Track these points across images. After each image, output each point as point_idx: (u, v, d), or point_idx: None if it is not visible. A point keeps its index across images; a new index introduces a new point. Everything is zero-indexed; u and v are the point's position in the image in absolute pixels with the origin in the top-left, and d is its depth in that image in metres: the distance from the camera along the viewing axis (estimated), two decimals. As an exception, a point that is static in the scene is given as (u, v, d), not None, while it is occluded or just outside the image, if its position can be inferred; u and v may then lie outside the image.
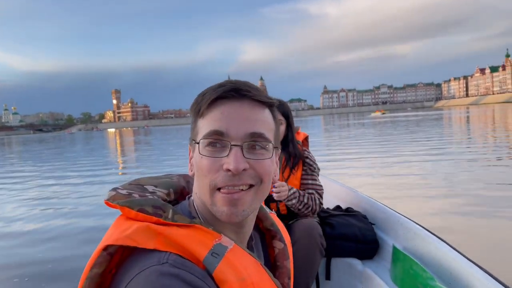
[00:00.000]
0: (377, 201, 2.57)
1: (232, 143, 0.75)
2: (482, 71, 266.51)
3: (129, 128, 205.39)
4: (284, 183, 2.27)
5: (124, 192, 0.81)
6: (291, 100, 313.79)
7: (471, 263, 1.57)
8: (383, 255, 2.25)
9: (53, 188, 10.47)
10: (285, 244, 0.94)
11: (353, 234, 2.31)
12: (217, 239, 0.74)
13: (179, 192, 0.90)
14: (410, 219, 2.17)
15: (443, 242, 1.82)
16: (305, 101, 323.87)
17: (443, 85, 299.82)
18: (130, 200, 0.78)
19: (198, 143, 0.78)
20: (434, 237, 1.89)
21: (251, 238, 0.88)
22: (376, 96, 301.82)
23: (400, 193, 6.97)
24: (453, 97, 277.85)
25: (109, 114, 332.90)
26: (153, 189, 0.85)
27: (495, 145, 14.19)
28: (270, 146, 0.79)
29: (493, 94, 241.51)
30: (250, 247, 0.87)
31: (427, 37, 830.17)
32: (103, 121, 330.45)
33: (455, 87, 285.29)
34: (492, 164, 9.79)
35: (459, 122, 33.45)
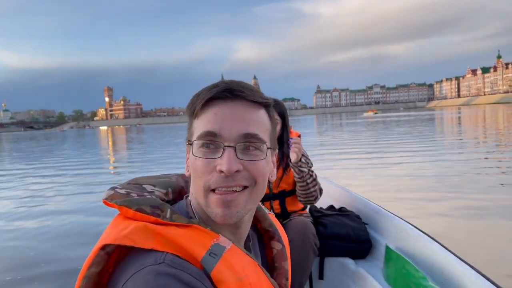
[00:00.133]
0: (370, 201, 2.58)
1: (226, 144, 0.75)
2: (474, 72, 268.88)
3: (121, 126, 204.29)
4: (298, 139, 2.30)
5: (122, 191, 0.81)
6: (285, 99, 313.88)
7: (462, 262, 1.59)
8: (376, 255, 2.26)
9: (42, 186, 10.37)
10: (283, 245, 0.94)
11: (347, 234, 2.32)
12: (215, 239, 0.75)
13: (178, 192, 0.90)
14: (402, 219, 2.18)
15: (435, 242, 1.84)
16: (298, 100, 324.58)
17: (435, 85, 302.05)
18: (128, 199, 0.78)
19: (192, 144, 0.78)
20: (426, 236, 1.91)
21: (248, 238, 0.88)
22: (369, 96, 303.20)
23: (391, 192, 7.01)
24: (445, 98, 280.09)
25: (101, 112, 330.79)
26: (151, 189, 0.85)
27: (485, 145, 14.34)
28: (265, 147, 0.78)
29: (484, 95, 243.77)
30: (247, 247, 0.87)
31: (420, 37, 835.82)
32: (95, 118, 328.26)
33: (447, 87, 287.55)
34: (482, 164, 9.87)
35: (450, 123, 33.71)
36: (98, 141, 40.37)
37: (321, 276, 2.34)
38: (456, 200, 6.26)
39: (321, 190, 2.40)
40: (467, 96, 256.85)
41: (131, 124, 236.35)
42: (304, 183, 2.31)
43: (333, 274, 2.32)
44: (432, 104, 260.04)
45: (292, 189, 2.43)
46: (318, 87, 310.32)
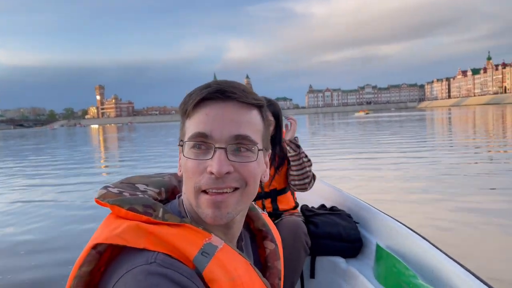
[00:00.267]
0: (361, 200, 2.59)
1: (216, 145, 0.75)
2: (464, 73, 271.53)
3: (112, 124, 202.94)
4: (295, 119, 2.37)
5: (115, 190, 0.81)
6: (277, 99, 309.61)
7: (452, 260, 1.61)
8: (367, 254, 2.27)
9: (30, 184, 10.27)
10: (276, 245, 0.94)
11: (338, 233, 2.33)
12: (207, 239, 0.75)
13: (171, 191, 0.90)
14: (393, 218, 2.20)
15: (424, 240, 1.85)
16: (291, 100, 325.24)
17: (426, 86, 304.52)
18: (121, 198, 0.78)
19: (182, 145, 0.79)
20: (416, 235, 1.92)
21: (240, 238, 0.88)
22: (361, 96, 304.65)
23: (381, 191, 7.04)
24: (436, 98, 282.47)
25: (93, 110, 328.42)
26: (144, 188, 0.85)
27: (474, 145, 14.48)
28: (256, 148, 0.78)
29: (474, 96, 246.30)
30: (239, 247, 0.87)
31: (411, 38, 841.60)
32: (86, 117, 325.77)
33: (438, 88, 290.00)
34: (471, 164, 9.96)
35: (441, 123, 34.00)
36: (90, 140, 40.04)
37: (312, 275, 2.35)
38: (443, 198, 6.31)
39: (314, 176, 2.42)
40: (458, 97, 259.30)
41: (122, 122, 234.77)
42: (300, 161, 2.33)
43: (324, 273, 2.33)
44: (423, 104, 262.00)
45: (283, 188, 2.43)
46: (310, 87, 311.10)
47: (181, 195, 0.84)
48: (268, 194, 2.41)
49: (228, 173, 0.74)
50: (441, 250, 1.72)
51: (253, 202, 0.95)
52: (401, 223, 2.11)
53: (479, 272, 1.47)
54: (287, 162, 2.42)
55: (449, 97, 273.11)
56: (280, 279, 0.92)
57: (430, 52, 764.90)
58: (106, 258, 0.74)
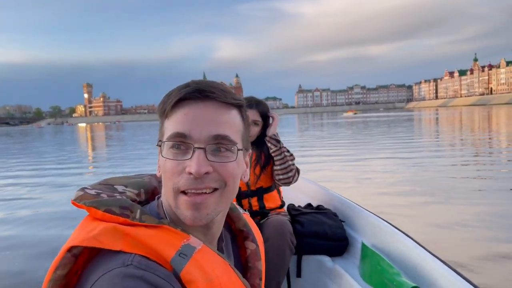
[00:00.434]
0: (347, 199, 2.61)
1: (195, 145, 0.74)
2: (451, 74, 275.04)
3: (100, 123, 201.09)
4: (277, 115, 2.39)
5: (92, 192, 0.80)
6: (267, 99, 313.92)
7: (435, 258, 1.63)
8: (352, 252, 2.28)
9: (17, 187, 10.12)
10: (257, 245, 0.94)
11: (323, 232, 2.33)
12: (185, 240, 0.74)
13: (150, 192, 0.89)
14: (378, 216, 2.22)
15: (409, 238, 1.87)
16: (280, 99, 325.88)
17: (414, 87, 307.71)
18: (97, 200, 0.76)
19: (161, 145, 0.78)
20: (401, 233, 1.94)
21: (221, 239, 0.88)
22: (350, 96, 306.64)
23: (369, 191, 7.10)
24: (424, 99, 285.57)
25: (80, 109, 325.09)
26: (123, 189, 0.84)
27: (461, 144, 14.66)
28: (235, 148, 0.78)
29: (461, 96, 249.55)
30: (220, 248, 0.87)
31: (400, 39, 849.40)
32: (73, 115, 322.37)
33: (426, 89, 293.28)
34: (459, 163, 10.09)
35: (428, 124, 34.37)
36: (78, 138, 39.60)
37: (298, 274, 2.35)
38: (430, 197, 6.38)
39: (298, 170, 2.42)
40: (445, 98, 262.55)
41: (110, 121, 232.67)
42: (282, 155, 2.35)
43: (310, 272, 2.33)
44: (411, 105, 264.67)
45: (269, 186, 2.44)
46: (300, 86, 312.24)
47: (160, 196, 0.83)
48: (255, 193, 2.41)
49: (207, 173, 0.74)
50: (424, 248, 1.74)
51: (234, 203, 0.95)
52: (386, 221, 2.12)
53: (462, 269, 1.53)
54: (273, 160, 2.43)
55: (437, 97, 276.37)
56: (261, 279, 0.92)
57: (418, 53, 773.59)
58: (83, 261, 0.73)
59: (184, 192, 0.74)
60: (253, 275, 0.91)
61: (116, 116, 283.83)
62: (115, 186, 0.84)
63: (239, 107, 0.81)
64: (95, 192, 0.80)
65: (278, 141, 2.36)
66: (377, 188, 7.41)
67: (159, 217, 0.79)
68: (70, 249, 0.72)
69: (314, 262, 2.32)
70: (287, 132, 29.79)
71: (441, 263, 1.57)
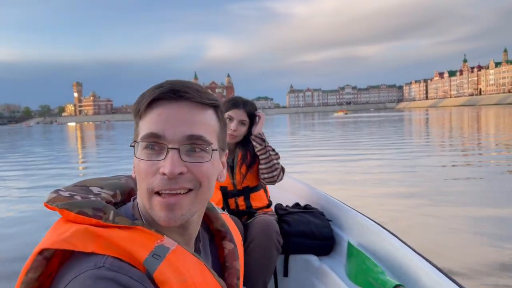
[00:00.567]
0: (334, 198, 2.62)
1: (169, 146, 0.74)
2: (441, 75, 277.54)
3: (90, 122, 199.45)
4: (263, 114, 2.40)
5: (66, 194, 0.78)
6: (258, 98, 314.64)
7: (420, 257, 1.64)
8: (339, 251, 2.29)
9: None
10: (235, 245, 0.94)
11: (310, 231, 2.33)
12: (159, 241, 0.74)
13: (127, 193, 0.88)
14: (364, 215, 2.23)
15: (394, 237, 1.88)
16: (272, 99, 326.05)
17: (404, 87, 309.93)
18: (70, 202, 0.75)
19: (133, 146, 0.78)
20: (387, 232, 1.95)
21: (198, 239, 0.88)
22: (341, 97, 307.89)
23: (358, 192, 7.12)
24: (414, 99, 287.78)
25: (70, 108, 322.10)
26: (98, 191, 0.83)
27: (450, 143, 14.79)
28: (210, 148, 0.77)
29: (451, 97, 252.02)
30: (197, 248, 0.87)
31: (391, 40, 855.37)
32: (63, 114, 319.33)
33: (416, 89, 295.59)
34: (447, 167, 10.16)
35: (418, 124, 34.63)
36: (66, 137, 39.21)
37: (285, 274, 2.35)
38: (418, 197, 6.41)
39: (283, 169, 2.43)
40: (435, 98, 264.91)
41: (100, 120, 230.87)
42: (267, 154, 2.35)
43: (297, 271, 2.34)
44: (402, 105, 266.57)
45: (256, 185, 2.44)
46: (291, 86, 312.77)
47: (136, 198, 0.83)
48: (241, 192, 2.40)
49: (181, 173, 0.73)
50: (409, 247, 1.75)
51: (212, 203, 0.95)
52: (372, 220, 2.13)
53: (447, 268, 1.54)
54: (258, 159, 2.42)
55: (427, 98, 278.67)
56: (238, 278, 0.92)
57: (408, 53, 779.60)
58: (57, 264, 0.72)
59: (158, 193, 0.74)
60: (231, 274, 0.91)
61: (107, 115, 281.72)
62: (90, 188, 0.83)
63: (215, 107, 0.81)
64: (68, 194, 0.79)
65: (263, 140, 2.36)
66: (367, 189, 7.44)
67: (134, 218, 0.78)
68: (41, 252, 0.71)
69: (301, 262, 2.33)
70: (278, 131, 29.79)
71: (426, 262, 1.59)
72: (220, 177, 0.84)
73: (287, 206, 2.68)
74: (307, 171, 9.61)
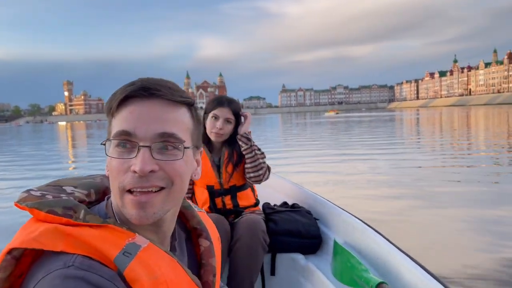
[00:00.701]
0: (321, 197, 2.63)
1: (141, 144, 0.74)
2: (432, 75, 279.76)
3: (81, 121, 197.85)
4: (249, 114, 2.42)
5: (37, 193, 0.78)
6: (250, 98, 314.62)
7: (403, 254, 1.67)
8: (325, 250, 2.30)
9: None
10: (211, 242, 0.94)
11: (297, 230, 2.34)
12: (130, 239, 0.73)
13: (102, 192, 0.88)
14: (351, 214, 2.24)
15: (379, 235, 1.90)
16: (264, 99, 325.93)
17: (395, 87, 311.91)
18: (40, 201, 0.75)
19: (104, 144, 0.77)
20: (372, 230, 1.97)
21: (174, 237, 0.88)
22: (333, 96, 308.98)
23: (347, 191, 7.15)
24: (405, 99, 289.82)
25: (60, 107, 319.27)
26: (71, 190, 0.82)
27: (441, 143, 14.92)
28: (182, 146, 0.77)
29: (441, 97, 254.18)
30: (172, 246, 0.87)
31: (382, 40, 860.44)
32: (53, 113, 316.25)
33: (407, 89, 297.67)
34: (438, 167, 10.23)
35: (409, 124, 34.88)
36: (57, 137, 38.88)
37: (272, 272, 2.36)
38: (407, 196, 6.46)
39: (269, 168, 2.44)
40: (426, 98, 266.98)
41: (91, 119, 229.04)
42: (253, 153, 2.35)
43: (284, 270, 2.34)
44: (393, 105, 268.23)
45: (243, 184, 2.44)
46: (283, 86, 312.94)
47: (110, 196, 0.82)
48: (228, 191, 2.40)
49: (152, 171, 0.73)
50: (394, 245, 1.77)
51: (189, 201, 0.96)
52: (358, 218, 2.15)
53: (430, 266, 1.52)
54: (244, 160, 2.42)
55: (418, 98, 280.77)
56: (215, 276, 0.92)
57: (400, 54, 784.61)
58: (27, 263, 0.72)
59: (130, 191, 0.74)
60: (207, 271, 0.92)
61: (98, 114, 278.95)
62: (63, 187, 0.83)
63: (188, 105, 0.81)
64: (40, 193, 0.78)
65: (249, 139, 2.36)
66: (357, 189, 7.47)
67: (107, 217, 0.78)
68: (10, 252, 0.71)
69: (287, 260, 2.34)
70: (270, 131, 29.82)
71: (409, 260, 1.61)
72: (194, 175, 0.84)
73: (275, 205, 2.68)
74: (298, 171, 9.64)
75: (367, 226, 2.02)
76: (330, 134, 24.15)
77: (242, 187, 2.43)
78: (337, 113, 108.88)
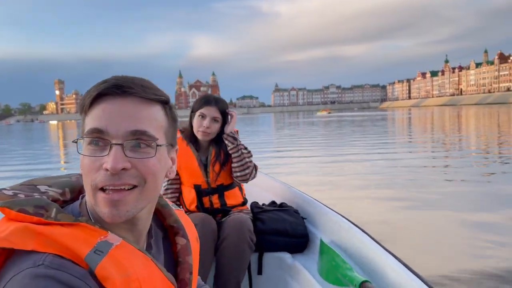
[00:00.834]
0: (308, 196, 2.64)
1: (113, 141, 0.73)
2: (423, 75, 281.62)
3: (73, 120, 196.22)
4: (235, 113, 2.43)
5: (9, 193, 0.78)
6: (243, 97, 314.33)
7: (388, 253, 1.68)
8: (312, 249, 2.31)
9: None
10: (188, 240, 0.94)
11: (284, 229, 2.34)
12: (102, 237, 0.73)
13: (77, 191, 0.87)
14: (337, 213, 2.25)
15: (365, 234, 1.91)
16: (257, 98, 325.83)
17: (388, 87, 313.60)
18: (11, 200, 0.75)
19: (76, 141, 0.77)
20: (358, 229, 1.98)
21: (150, 235, 0.88)
22: (325, 96, 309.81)
23: (338, 192, 7.19)
24: (397, 99, 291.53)
25: (51, 106, 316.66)
26: (45, 189, 0.82)
27: (432, 142, 15.02)
28: (155, 144, 0.77)
29: (433, 97, 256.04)
30: (148, 244, 0.87)
31: (374, 40, 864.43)
32: (44, 112, 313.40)
33: (399, 89, 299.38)
34: (428, 167, 10.30)
35: (401, 124, 35.07)
36: (47, 136, 38.54)
37: (259, 271, 2.36)
38: (397, 196, 6.51)
39: (256, 167, 2.43)
40: (417, 98, 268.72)
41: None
42: (239, 153, 2.34)
43: (271, 269, 2.35)
44: (385, 104, 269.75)
45: (230, 183, 2.43)
46: (276, 85, 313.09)
47: (85, 195, 0.82)
48: (215, 190, 2.39)
49: (124, 169, 0.73)
50: (379, 244, 1.79)
51: (166, 199, 0.96)
52: (345, 218, 2.16)
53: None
54: (231, 159, 2.42)
55: (409, 97, 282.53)
56: (191, 273, 0.92)
57: (392, 54, 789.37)
58: (0, 262, 0.71)
59: (102, 189, 0.74)
60: (184, 269, 0.92)
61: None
62: (38, 186, 0.82)
63: (162, 103, 0.81)
64: (12, 192, 0.78)
65: (235, 139, 2.35)
66: (348, 190, 7.49)
67: (80, 215, 0.78)
68: None
69: (274, 259, 2.34)
70: (262, 130, 29.82)
71: (393, 258, 1.63)
72: (169, 173, 0.84)
73: (263, 204, 2.68)
74: (290, 171, 9.65)
75: (353, 226, 2.04)
76: (322, 135, 24.20)
77: (229, 186, 2.43)
78: (329, 113, 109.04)
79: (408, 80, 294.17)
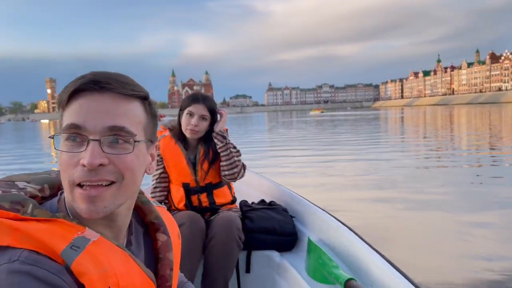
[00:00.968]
0: (297, 194, 2.65)
1: (90, 137, 0.73)
2: (416, 74, 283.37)
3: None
4: (225, 111, 2.43)
5: None
6: (237, 96, 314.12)
7: (374, 252, 1.71)
8: (301, 247, 2.32)
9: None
10: (168, 236, 0.94)
11: (272, 227, 2.35)
12: (79, 232, 0.73)
13: (57, 187, 0.86)
14: (326, 211, 2.26)
15: (353, 233, 1.93)
16: (250, 97, 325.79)
17: (380, 86, 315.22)
18: None
19: (53, 137, 0.77)
20: (345, 228, 2.00)
21: (130, 232, 0.88)
22: (318, 95, 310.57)
23: (330, 193, 7.19)
24: (390, 98, 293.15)
25: (43, 104, 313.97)
26: (24, 185, 0.81)
27: (424, 141, 15.09)
28: (133, 140, 0.77)
29: (425, 96, 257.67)
30: (128, 240, 0.87)
31: (367, 40, 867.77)
32: (35, 111, 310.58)
33: (392, 89, 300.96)
34: (421, 164, 10.34)
35: (394, 123, 35.22)
36: (39, 135, 38.15)
37: (248, 270, 2.36)
38: (391, 197, 6.53)
39: (244, 166, 2.43)
40: (410, 97, 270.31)
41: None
42: (228, 151, 2.34)
43: (259, 267, 2.35)
44: (378, 104, 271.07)
45: (219, 181, 2.43)
46: (270, 84, 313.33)
47: (63, 191, 0.81)
48: (204, 189, 2.38)
49: (102, 165, 0.73)
50: (366, 242, 1.81)
51: (147, 196, 0.96)
52: (333, 216, 2.18)
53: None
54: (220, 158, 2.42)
55: (402, 97, 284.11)
56: (172, 269, 0.92)
57: (385, 53, 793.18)
58: None
59: (80, 185, 0.73)
60: (164, 265, 0.92)
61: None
62: (16, 183, 0.81)
63: (141, 98, 0.81)
64: None
65: (224, 137, 2.35)
66: (340, 191, 7.50)
67: (58, 211, 0.77)
68: None
69: (263, 258, 2.34)
70: (256, 129, 29.78)
71: (379, 256, 1.66)
72: (149, 170, 0.84)
73: (252, 202, 2.68)
74: (279, 171, 9.64)
75: (341, 224, 2.05)
76: (314, 134, 24.23)
77: (218, 185, 2.42)
78: (322, 112, 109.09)
79: (401, 80, 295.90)
